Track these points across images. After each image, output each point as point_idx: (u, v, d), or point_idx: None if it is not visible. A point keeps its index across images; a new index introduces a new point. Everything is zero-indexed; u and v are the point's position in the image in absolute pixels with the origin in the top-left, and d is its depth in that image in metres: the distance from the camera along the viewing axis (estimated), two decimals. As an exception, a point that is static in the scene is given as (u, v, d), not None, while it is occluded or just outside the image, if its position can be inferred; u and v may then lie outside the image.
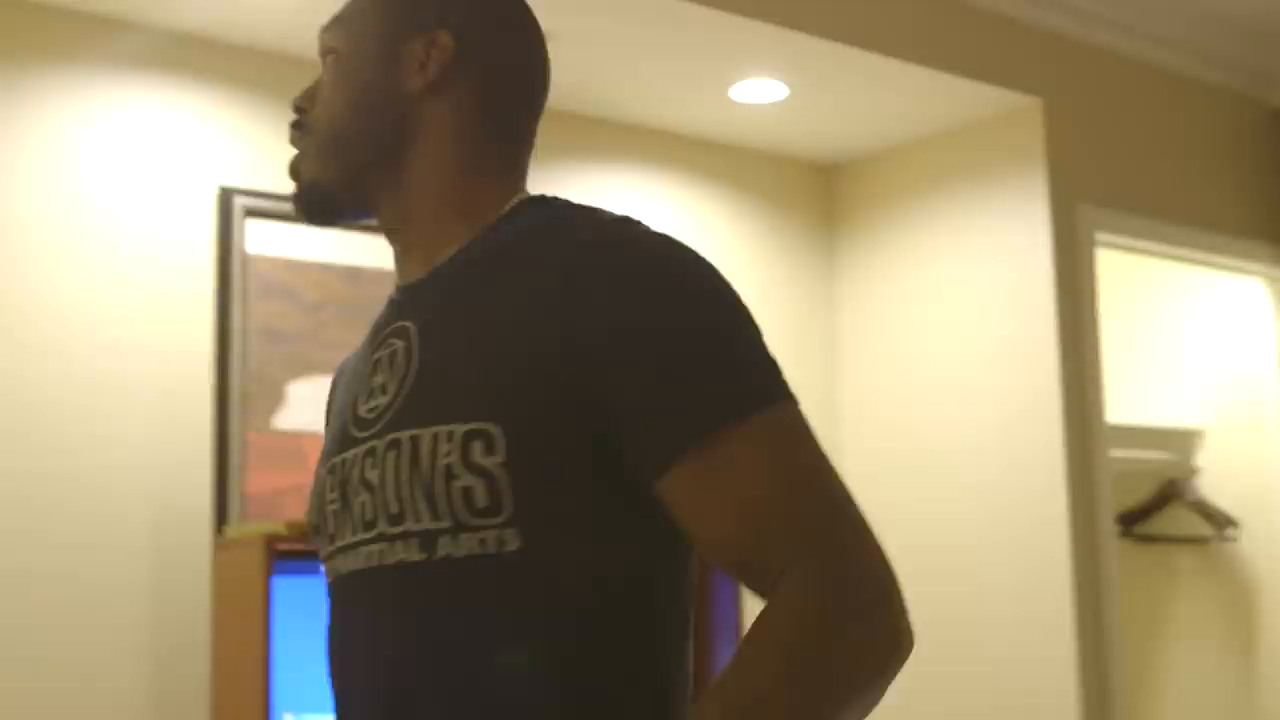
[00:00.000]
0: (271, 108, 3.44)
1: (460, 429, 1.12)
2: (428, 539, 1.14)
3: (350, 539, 1.22)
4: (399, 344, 1.24)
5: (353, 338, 3.46)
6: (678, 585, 1.19)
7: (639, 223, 1.19)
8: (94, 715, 3.04)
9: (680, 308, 1.12)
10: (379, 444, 1.19)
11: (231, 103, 3.40)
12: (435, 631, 1.14)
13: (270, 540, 3.01)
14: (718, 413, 1.09)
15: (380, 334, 1.29)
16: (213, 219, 3.33)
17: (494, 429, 1.11)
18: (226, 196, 3.33)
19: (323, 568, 1.30)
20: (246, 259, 3.34)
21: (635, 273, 1.13)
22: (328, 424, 1.39)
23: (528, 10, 1.35)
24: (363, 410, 1.25)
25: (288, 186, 3.60)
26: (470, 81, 1.29)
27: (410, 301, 1.28)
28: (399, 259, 1.32)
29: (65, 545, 3.06)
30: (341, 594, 1.24)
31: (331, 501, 1.25)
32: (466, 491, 1.11)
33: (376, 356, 1.27)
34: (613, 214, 1.21)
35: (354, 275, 3.51)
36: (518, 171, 1.32)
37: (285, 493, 3.35)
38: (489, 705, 1.11)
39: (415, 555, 1.14)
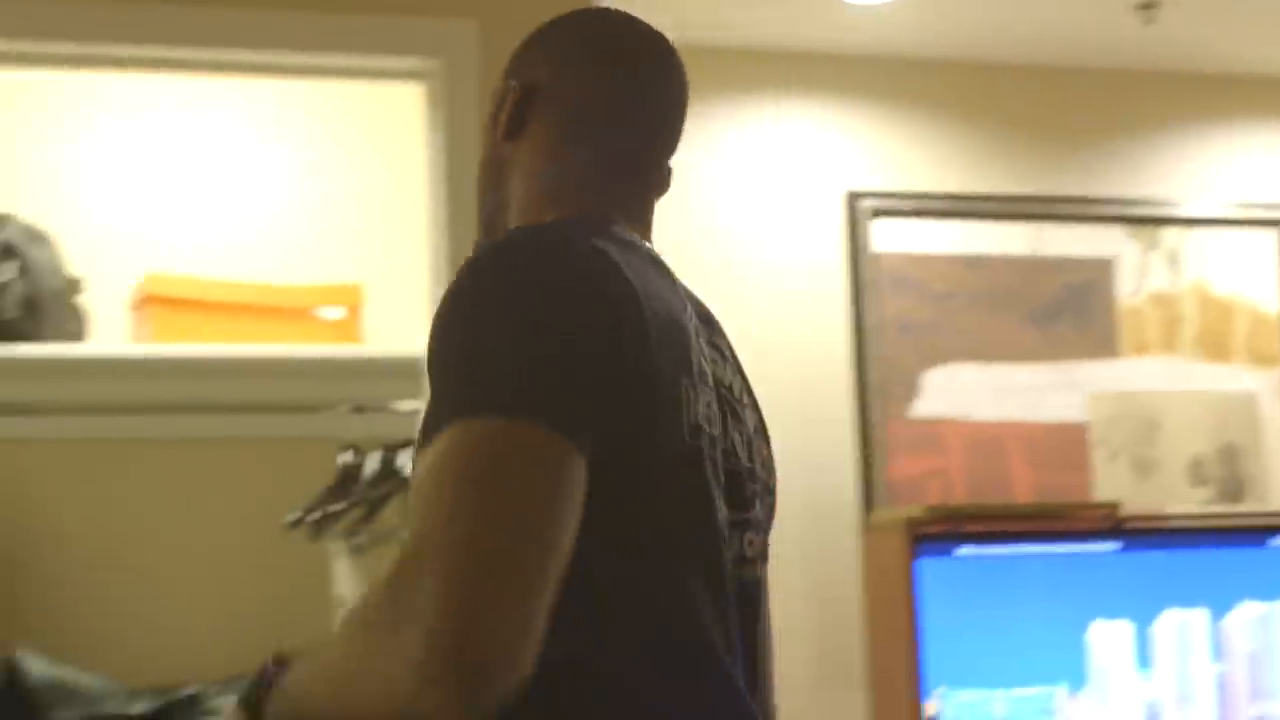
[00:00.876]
0: (889, 112, 3.63)
1: None
2: None
3: None
4: None
5: (979, 325, 3.57)
6: (610, 573, 1.13)
7: (499, 246, 1.22)
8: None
9: (439, 324, 1.15)
10: None
11: (853, 111, 3.62)
12: None
13: (912, 524, 3.19)
14: (433, 423, 1.09)
15: None
16: (841, 222, 3.57)
17: None
18: (853, 200, 3.56)
19: None
20: (875, 257, 3.55)
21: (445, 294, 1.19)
22: None
23: (603, 41, 1.38)
24: None
25: (911, 186, 3.74)
26: (542, 122, 1.34)
27: None
28: None
29: (730, 530, 3.41)
30: None
31: None
32: None
33: None
34: (507, 238, 1.26)
35: (977, 264, 3.62)
36: (587, 200, 1.33)
37: (926, 477, 3.52)
38: None
39: None
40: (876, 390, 3.51)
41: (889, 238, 3.57)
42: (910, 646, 3.16)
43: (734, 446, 1.29)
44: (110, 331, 2.98)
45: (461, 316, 1.14)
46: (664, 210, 3.60)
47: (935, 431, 3.54)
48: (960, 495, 3.52)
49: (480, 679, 0.99)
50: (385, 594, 1.03)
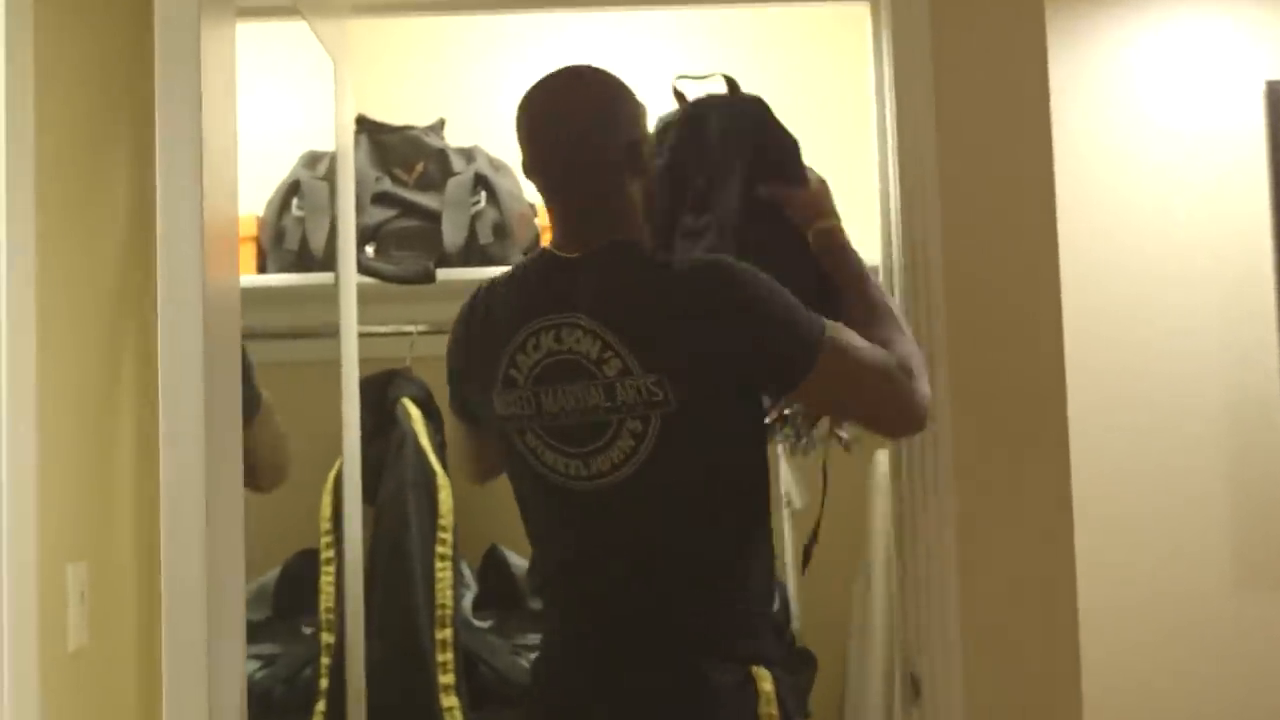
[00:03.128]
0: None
1: None
2: None
3: None
4: None
5: None
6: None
7: None
8: (1182, 575, 3.56)
9: None
10: None
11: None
12: None
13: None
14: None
15: None
16: (1261, 113, 3.64)
17: None
18: (1274, 90, 3.62)
19: None
20: (1299, 148, 3.61)
21: None
22: None
23: (520, 121, 2.03)
24: None
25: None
26: None
27: None
28: None
29: (1149, 431, 3.58)
30: None
31: None
32: None
33: None
34: None
35: None
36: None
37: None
38: None
39: None
40: (1301, 284, 3.60)
41: (1314, 128, 3.63)
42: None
43: (560, 409, 1.97)
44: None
45: None
46: (1086, 103, 3.78)
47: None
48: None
49: None
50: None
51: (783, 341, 1.94)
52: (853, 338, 1.98)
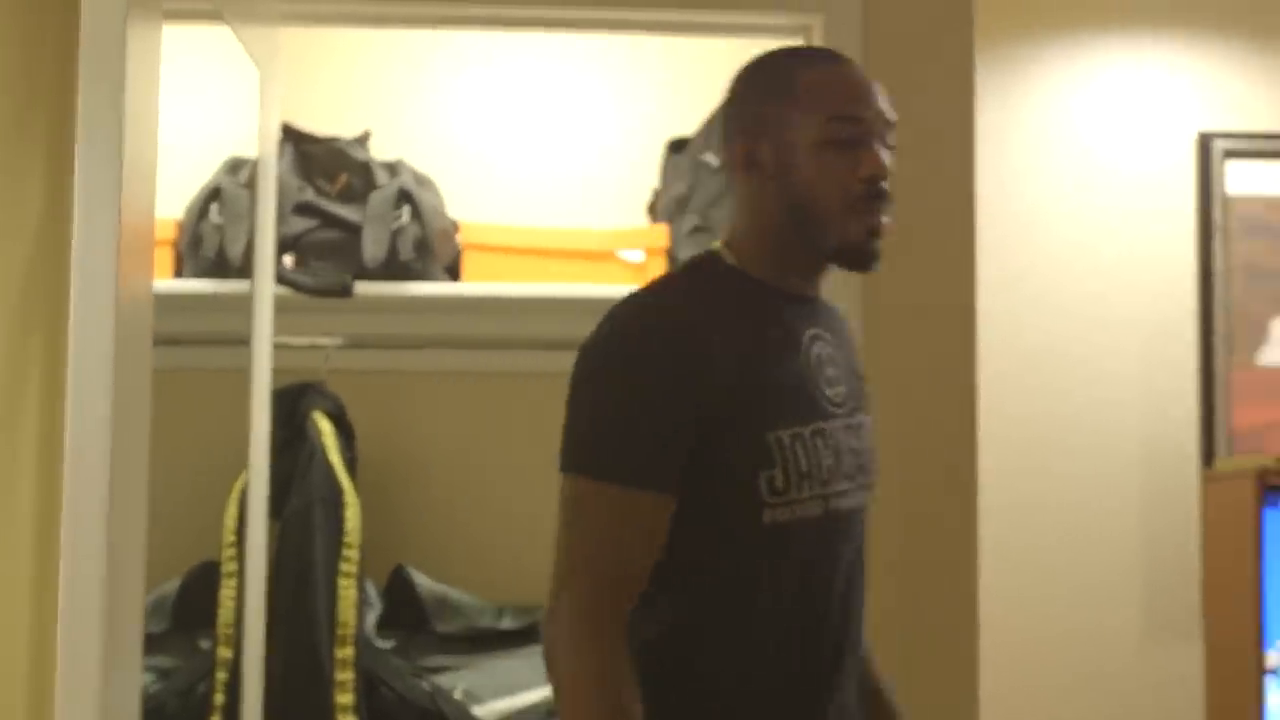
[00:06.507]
0: (1243, 49, 3.81)
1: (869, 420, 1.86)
2: (870, 492, 1.82)
3: (841, 486, 1.75)
4: (827, 348, 1.79)
5: (1338, 272, 3.74)
6: None
7: None
8: (1091, 620, 3.66)
9: None
10: (851, 422, 1.79)
11: (1204, 49, 3.81)
12: (861, 561, 1.81)
13: (1262, 474, 3.42)
14: None
15: (799, 331, 1.76)
16: (1192, 164, 3.78)
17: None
18: (1205, 141, 3.76)
19: (793, 507, 1.68)
20: (1227, 200, 3.75)
21: None
22: (747, 381, 1.68)
23: None
24: (830, 394, 1.77)
25: (1267, 126, 3.91)
26: None
27: (808, 314, 1.80)
28: (795, 278, 1.79)
29: (1063, 475, 3.70)
30: (830, 526, 1.73)
31: (827, 457, 1.73)
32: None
33: (816, 352, 1.77)
34: None
35: (1338, 210, 3.78)
36: None
37: (1271, 428, 3.73)
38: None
39: (867, 502, 1.82)
40: (1222, 337, 3.73)
41: (1242, 181, 3.77)
42: (1253, 597, 3.41)
43: None
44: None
45: None
46: (1024, 143, 3.92)
47: (1283, 381, 3.74)
48: (1306, 447, 3.73)
49: None
50: None
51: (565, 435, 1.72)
52: (584, 514, 1.66)
